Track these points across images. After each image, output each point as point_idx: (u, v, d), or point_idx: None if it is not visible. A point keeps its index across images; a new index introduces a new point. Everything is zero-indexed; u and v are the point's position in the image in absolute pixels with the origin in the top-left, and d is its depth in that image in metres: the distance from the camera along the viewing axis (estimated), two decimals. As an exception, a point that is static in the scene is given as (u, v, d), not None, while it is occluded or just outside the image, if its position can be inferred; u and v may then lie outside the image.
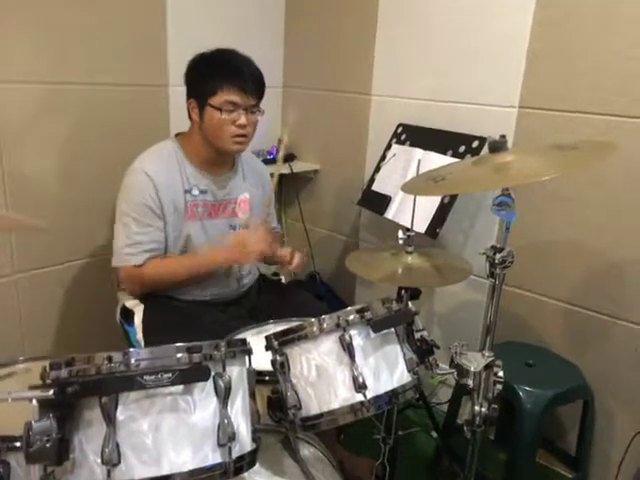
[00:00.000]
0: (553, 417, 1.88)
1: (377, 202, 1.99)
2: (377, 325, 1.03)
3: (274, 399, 1.06)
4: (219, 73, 1.54)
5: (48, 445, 0.76)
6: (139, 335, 1.61)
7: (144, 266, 1.57)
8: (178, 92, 2.06)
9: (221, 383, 0.87)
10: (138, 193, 1.55)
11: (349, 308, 1.04)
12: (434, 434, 1.98)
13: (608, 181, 1.65)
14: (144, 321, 1.62)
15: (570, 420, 1.85)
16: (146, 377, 0.80)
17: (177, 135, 1.70)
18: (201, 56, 1.60)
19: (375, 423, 1.51)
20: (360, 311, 1.04)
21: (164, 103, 2.10)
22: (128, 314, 1.68)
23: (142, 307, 1.65)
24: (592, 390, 1.70)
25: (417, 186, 1.38)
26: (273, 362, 1.05)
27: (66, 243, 1.94)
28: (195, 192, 1.63)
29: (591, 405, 1.71)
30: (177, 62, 2.05)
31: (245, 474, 0.96)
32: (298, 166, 2.49)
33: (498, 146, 1.19)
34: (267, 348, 1.06)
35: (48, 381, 0.81)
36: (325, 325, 1.02)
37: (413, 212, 1.57)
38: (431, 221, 1.77)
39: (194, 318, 1.59)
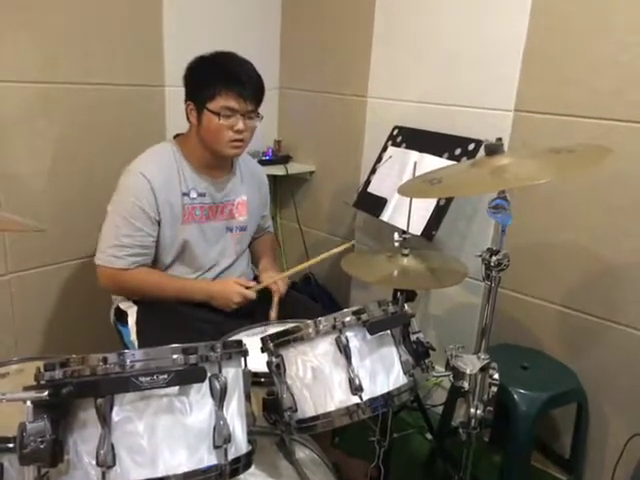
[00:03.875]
0: (547, 420, 1.88)
1: (373, 204, 1.99)
2: (373, 327, 1.03)
3: (269, 401, 1.06)
4: (218, 78, 1.53)
5: (42, 446, 0.75)
6: (133, 336, 1.60)
7: (127, 271, 1.56)
8: (174, 93, 2.06)
9: (217, 384, 0.86)
10: (134, 195, 1.54)
11: (345, 310, 1.04)
12: (429, 436, 1.98)
13: (604, 185, 1.66)
14: (138, 322, 1.61)
15: (564, 423, 1.86)
16: (142, 378, 0.79)
17: (176, 137, 1.69)
18: (201, 59, 1.59)
19: (370, 425, 1.50)
20: (356, 313, 1.04)
21: (160, 104, 2.09)
22: (122, 315, 1.67)
23: (136, 308, 1.64)
24: (586, 393, 1.70)
25: (413, 188, 1.38)
26: (269, 364, 1.04)
27: (60, 244, 1.93)
28: (193, 195, 1.63)
29: (585, 408, 1.72)
30: (174, 62, 2.06)
31: (241, 476, 0.96)
32: (294, 167, 2.48)
33: (494, 149, 1.20)
34: (263, 350, 1.06)
35: (42, 382, 0.80)
36: (321, 327, 1.02)
37: (409, 214, 1.57)
38: (427, 223, 1.77)
39: (188, 319, 1.58)
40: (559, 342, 1.85)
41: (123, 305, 1.68)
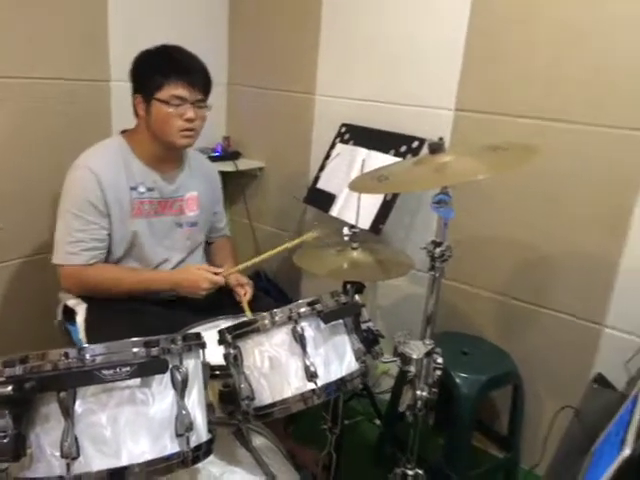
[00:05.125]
0: (487, 402, 2.00)
1: (322, 200, 2.04)
2: (327, 317, 1.09)
3: (225, 393, 1.08)
4: (165, 67, 1.54)
5: (5, 441, 0.76)
6: (81, 334, 1.58)
7: (88, 267, 1.55)
8: (120, 87, 2.04)
9: (178, 376, 0.89)
10: (82, 190, 1.53)
11: (300, 301, 1.09)
12: (377, 422, 2.07)
13: (538, 180, 1.77)
14: (87, 319, 1.59)
15: (502, 404, 1.98)
16: (104, 371, 0.81)
17: (123, 132, 1.68)
18: (147, 51, 1.59)
19: (322, 414, 1.56)
20: (311, 304, 1.09)
21: (106, 98, 2.06)
22: (70, 313, 1.64)
23: (85, 306, 1.62)
24: (521, 375, 1.83)
25: (362, 185, 1.44)
26: (226, 355, 1.07)
27: (3, 242, 1.87)
28: (142, 189, 1.62)
29: (520, 388, 1.84)
30: (119, 57, 2.03)
31: (200, 465, 0.99)
32: (243, 164, 2.50)
33: (436, 147, 1.27)
34: (220, 342, 1.08)
35: (2, 379, 0.80)
36: (277, 318, 1.06)
37: (358, 209, 1.63)
38: (375, 218, 1.84)
39: (138, 315, 1.58)
40: (496, 328, 1.97)
41: (71, 303, 1.65)
